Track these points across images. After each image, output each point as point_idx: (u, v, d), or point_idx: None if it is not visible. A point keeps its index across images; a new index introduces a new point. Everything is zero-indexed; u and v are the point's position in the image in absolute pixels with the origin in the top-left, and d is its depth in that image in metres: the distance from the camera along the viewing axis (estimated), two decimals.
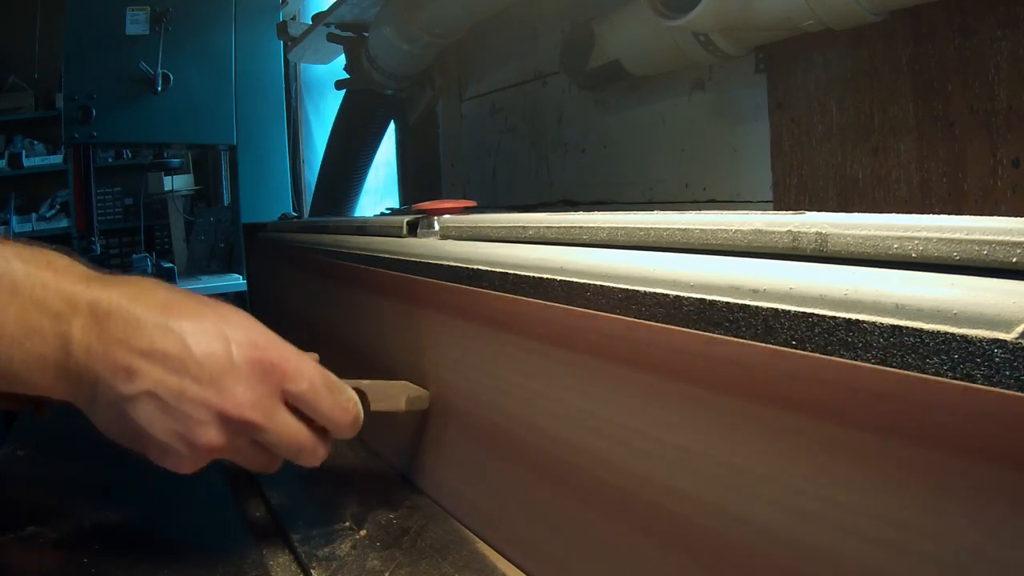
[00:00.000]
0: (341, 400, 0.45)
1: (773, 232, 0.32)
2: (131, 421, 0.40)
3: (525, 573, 0.44)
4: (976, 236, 0.25)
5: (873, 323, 0.25)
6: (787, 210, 0.40)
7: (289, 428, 0.43)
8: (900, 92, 0.77)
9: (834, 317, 0.26)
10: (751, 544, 0.30)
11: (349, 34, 1.57)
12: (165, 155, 2.96)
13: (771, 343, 0.29)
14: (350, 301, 0.74)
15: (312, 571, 0.45)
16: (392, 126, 1.81)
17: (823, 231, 0.30)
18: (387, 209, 1.13)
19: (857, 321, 0.26)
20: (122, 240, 3.28)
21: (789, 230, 0.31)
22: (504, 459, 0.47)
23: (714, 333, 0.31)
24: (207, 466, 0.43)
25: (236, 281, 2.27)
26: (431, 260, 0.56)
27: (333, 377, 0.45)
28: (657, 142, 1.11)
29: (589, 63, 1.06)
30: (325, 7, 1.61)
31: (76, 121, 2.11)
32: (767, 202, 0.94)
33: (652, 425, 0.35)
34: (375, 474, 0.60)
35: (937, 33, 0.73)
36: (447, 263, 0.53)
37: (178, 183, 2.99)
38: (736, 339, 0.30)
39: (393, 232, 0.67)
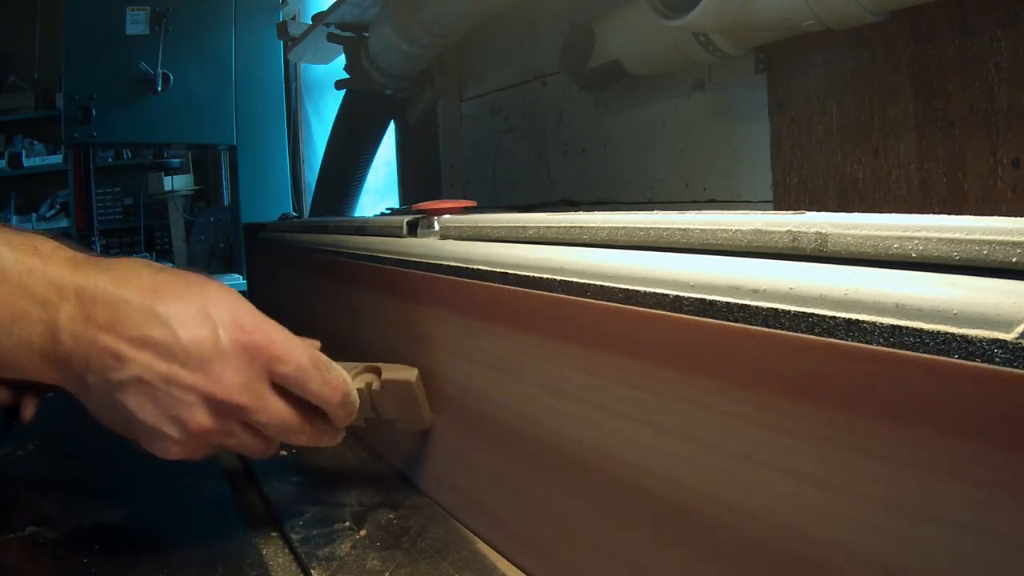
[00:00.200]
0: (330, 378, 0.45)
1: (773, 232, 0.32)
2: (121, 406, 0.41)
3: (525, 573, 0.44)
4: (976, 236, 0.25)
5: (873, 323, 0.25)
6: (787, 210, 0.40)
7: (278, 409, 0.43)
8: (900, 92, 0.77)
9: (834, 317, 0.26)
10: (766, 538, 0.30)
11: (349, 34, 1.57)
12: (165, 155, 2.96)
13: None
14: (350, 300, 0.74)
15: (312, 571, 0.45)
16: (392, 126, 1.82)
17: (823, 231, 0.30)
18: (387, 209, 1.13)
19: (857, 321, 0.26)
20: (122, 240, 3.28)
21: (789, 230, 0.31)
22: (503, 452, 0.47)
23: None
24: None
25: (236, 281, 2.27)
26: (431, 260, 0.56)
27: (322, 357, 0.45)
28: (657, 142, 1.11)
29: (589, 63, 1.06)
30: (325, 7, 1.61)
31: (76, 121, 2.11)
32: (767, 202, 0.94)
33: (664, 419, 0.35)
34: (375, 474, 0.60)
35: (937, 33, 0.73)
36: (447, 263, 0.53)
37: (178, 183, 2.99)
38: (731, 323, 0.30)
39: (393, 232, 0.67)
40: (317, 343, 0.51)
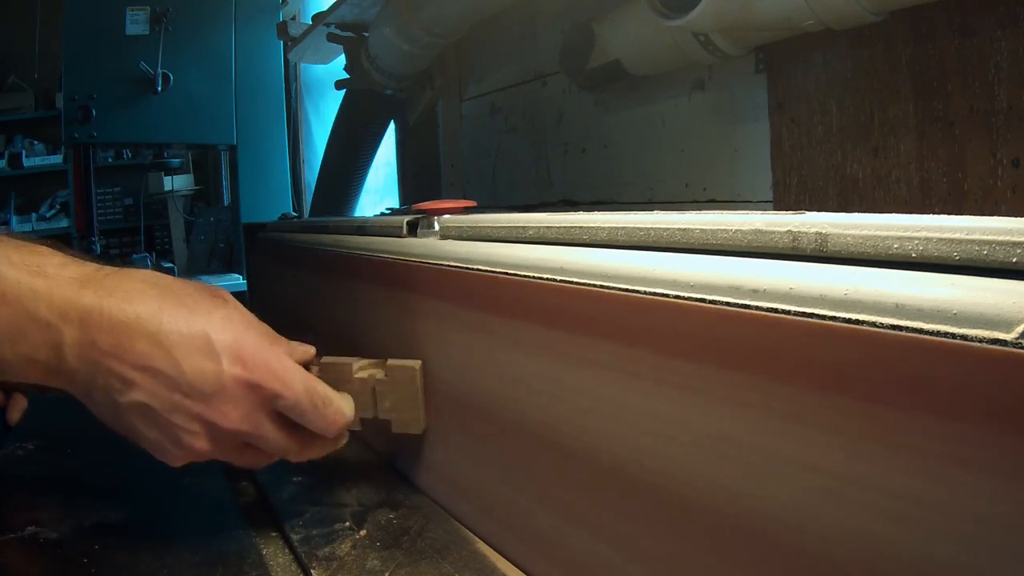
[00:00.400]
0: (327, 413, 0.46)
1: (773, 232, 0.32)
2: (125, 420, 0.42)
3: (526, 572, 0.44)
4: (976, 236, 0.25)
5: (873, 323, 0.25)
6: (787, 210, 0.40)
7: (276, 436, 0.45)
8: (900, 92, 0.77)
9: (834, 317, 0.26)
10: (768, 530, 0.30)
11: (349, 34, 1.57)
12: (165, 155, 2.96)
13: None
14: (349, 299, 0.74)
15: (312, 571, 0.45)
16: (392, 126, 1.81)
17: (823, 231, 0.30)
18: (387, 209, 1.12)
19: (857, 321, 0.26)
20: (122, 240, 3.28)
21: (789, 230, 0.31)
22: (503, 451, 0.47)
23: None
24: (207, 466, 0.43)
25: (236, 281, 2.27)
26: (431, 260, 0.56)
27: (320, 391, 0.46)
28: (657, 142, 1.11)
29: (589, 63, 1.06)
30: (325, 7, 1.61)
31: (76, 121, 2.11)
32: (767, 202, 0.94)
33: (665, 411, 0.35)
34: (375, 474, 0.60)
35: (937, 33, 0.73)
36: (447, 263, 0.53)
37: (178, 183, 2.99)
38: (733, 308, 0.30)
39: (393, 232, 0.67)
40: (312, 350, 0.52)
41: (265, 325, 0.50)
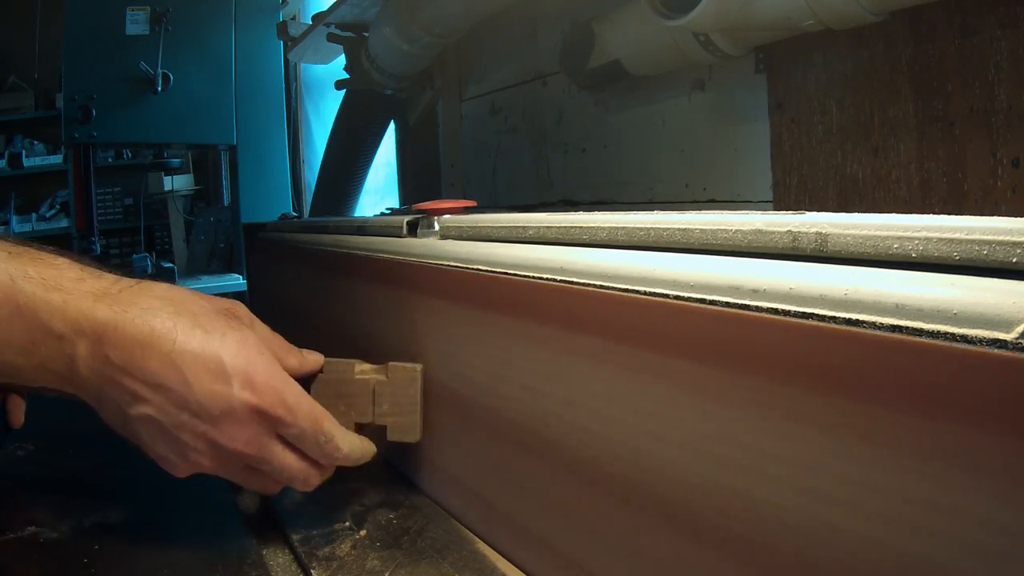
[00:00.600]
0: (327, 449, 0.46)
1: (773, 232, 0.32)
2: (133, 429, 0.43)
3: (527, 572, 0.44)
4: (976, 236, 0.25)
5: (873, 323, 0.25)
6: (787, 210, 0.40)
7: (280, 460, 0.45)
8: (900, 92, 0.77)
9: (834, 317, 0.26)
10: (766, 531, 0.30)
11: (349, 34, 1.57)
12: (165, 155, 2.96)
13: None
14: (349, 299, 0.74)
15: (312, 571, 0.45)
16: (392, 126, 1.81)
17: (823, 231, 0.30)
18: (387, 209, 1.12)
19: (857, 321, 0.26)
20: (122, 240, 3.28)
21: (789, 230, 0.31)
22: (503, 450, 0.47)
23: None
24: None
25: (236, 281, 2.27)
26: (431, 260, 0.56)
27: (326, 426, 0.46)
28: (657, 142, 1.11)
29: (589, 63, 1.06)
30: (325, 7, 1.61)
31: (76, 121, 2.11)
32: (767, 202, 0.94)
33: (667, 412, 0.35)
34: (375, 474, 0.60)
35: (937, 33, 0.73)
36: (447, 263, 0.53)
37: (178, 183, 2.99)
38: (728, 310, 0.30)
39: (393, 232, 0.67)
40: (322, 359, 0.52)
41: (280, 338, 0.50)
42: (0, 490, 0.60)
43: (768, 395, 0.29)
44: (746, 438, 0.30)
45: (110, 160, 3.29)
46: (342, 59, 1.63)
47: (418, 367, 0.53)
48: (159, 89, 2.15)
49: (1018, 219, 0.25)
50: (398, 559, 0.45)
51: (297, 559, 0.47)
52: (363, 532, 0.50)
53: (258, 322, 0.49)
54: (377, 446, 0.51)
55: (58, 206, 3.42)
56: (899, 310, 0.25)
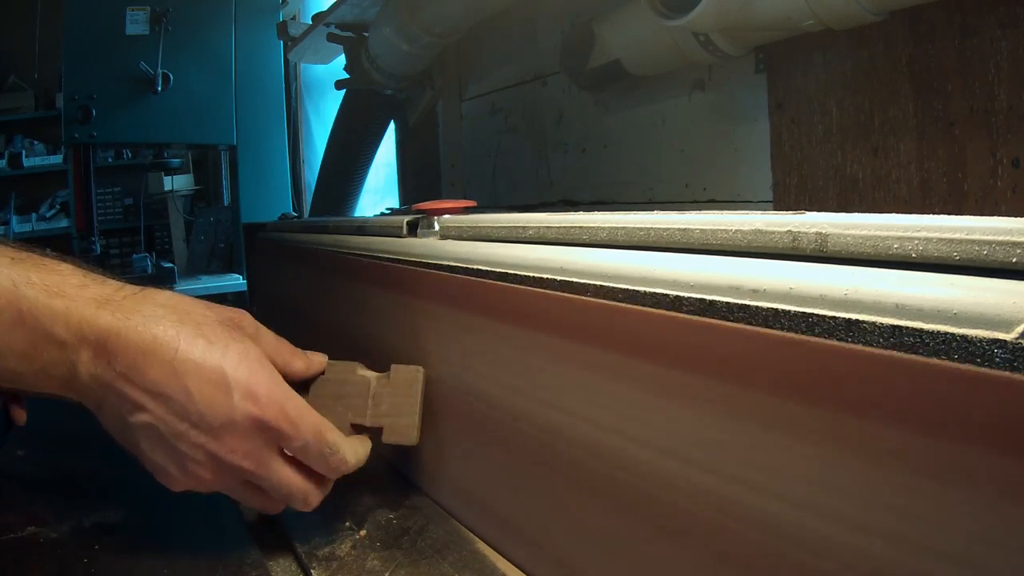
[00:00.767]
0: (331, 461, 0.46)
1: (773, 232, 0.32)
2: (132, 437, 0.42)
3: (525, 572, 0.44)
4: (976, 236, 0.25)
5: (873, 323, 0.25)
6: (787, 210, 0.40)
7: (281, 476, 0.45)
8: (900, 92, 0.77)
9: (834, 317, 0.26)
10: (756, 537, 0.30)
11: (349, 34, 1.57)
12: (165, 155, 2.96)
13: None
14: (350, 299, 0.74)
15: (312, 571, 0.45)
16: (392, 126, 1.81)
17: (823, 231, 0.30)
18: (387, 209, 1.12)
19: (857, 321, 0.26)
20: (122, 240, 3.28)
21: (789, 230, 0.31)
22: (502, 451, 0.47)
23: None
24: None
25: (236, 281, 2.27)
26: (431, 260, 0.56)
27: (329, 438, 0.46)
28: (657, 142, 1.11)
29: (589, 63, 1.06)
30: (325, 7, 1.61)
31: (76, 121, 2.11)
32: (767, 202, 0.94)
33: (664, 419, 0.35)
34: (375, 474, 0.60)
35: (937, 33, 0.73)
36: (447, 263, 0.53)
37: (178, 183, 2.99)
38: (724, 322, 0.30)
39: (393, 232, 0.67)
40: (324, 359, 0.52)
41: (286, 342, 0.50)
42: (0, 490, 0.60)
43: (770, 409, 0.29)
44: (758, 454, 0.30)
45: (110, 160, 3.29)
46: (342, 59, 1.63)
47: (420, 369, 0.53)
48: (159, 89, 2.14)
49: (1018, 219, 0.25)
50: (398, 559, 0.45)
51: (297, 559, 0.47)
52: (363, 532, 0.50)
53: (263, 329, 0.49)
54: (379, 446, 0.51)
55: (58, 206, 3.42)
56: (899, 310, 0.25)
